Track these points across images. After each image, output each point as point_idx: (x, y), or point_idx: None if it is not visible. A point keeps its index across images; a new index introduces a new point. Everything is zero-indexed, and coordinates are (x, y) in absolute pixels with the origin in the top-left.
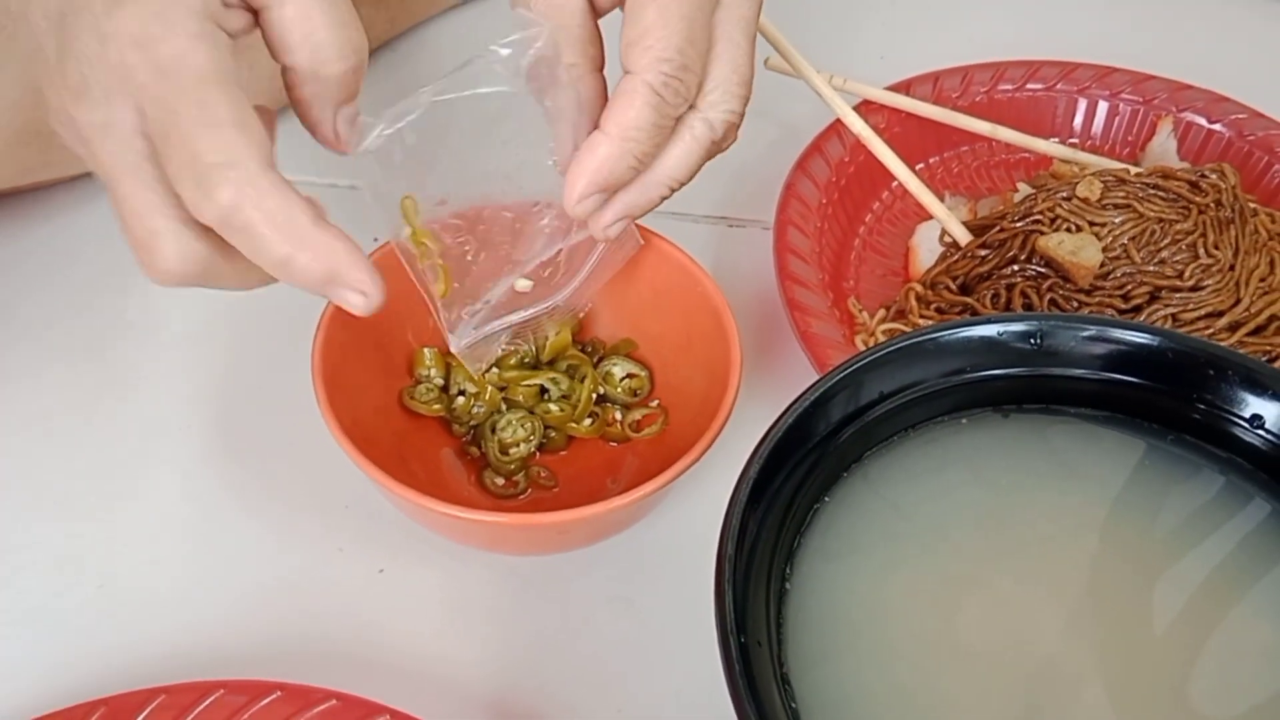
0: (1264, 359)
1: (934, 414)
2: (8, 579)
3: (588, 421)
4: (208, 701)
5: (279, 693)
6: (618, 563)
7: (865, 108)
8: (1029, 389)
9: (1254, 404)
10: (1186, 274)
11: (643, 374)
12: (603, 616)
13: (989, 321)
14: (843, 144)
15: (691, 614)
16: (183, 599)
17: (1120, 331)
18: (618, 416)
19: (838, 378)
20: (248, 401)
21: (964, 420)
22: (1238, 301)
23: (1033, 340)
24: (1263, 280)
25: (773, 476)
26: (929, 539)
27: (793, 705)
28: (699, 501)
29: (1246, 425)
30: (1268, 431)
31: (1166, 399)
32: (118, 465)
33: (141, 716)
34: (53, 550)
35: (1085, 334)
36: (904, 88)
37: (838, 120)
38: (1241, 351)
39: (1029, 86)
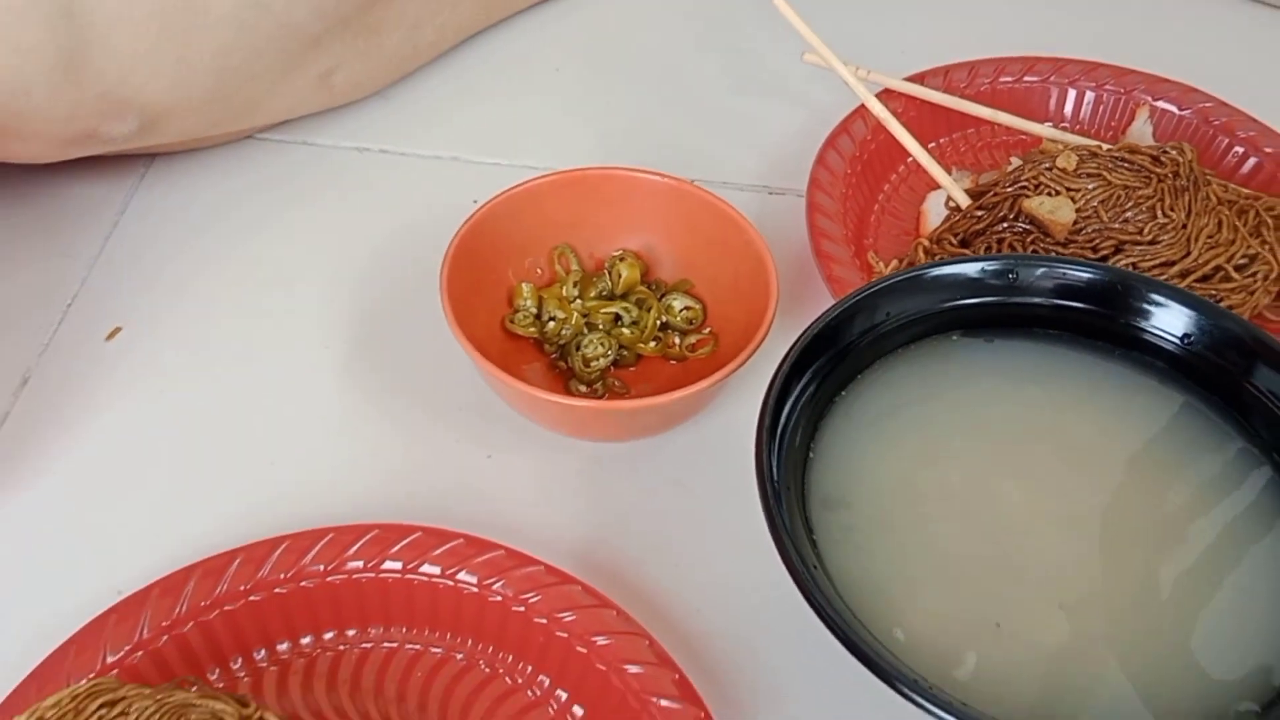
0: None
1: (930, 332)
2: (205, 461)
3: (653, 343)
4: (365, 539)
5: (420, 533)
6: (676, 452)
7: (885, 95)
8: (1004, 314)
9: (1164, 319)
10: (1145, 231)
11: (697, 306)
12: (664, 493)
13: (972, 260)
14: (865, 125)
15: (736, 493)
16: (333, 478)
17: (1070, 268)
18: (677, 340)
19: (854, 300)
20: (382, 329)
21: (954, 337)
22: (1188, 253)
23: (1010, 275)
24: (1210, 237)
25: (801, 373)
26: (920, 422)
27: (812, 537)
28: (741, 405)
29: (1163, 335)
30: (1175, 338)
31: (1104, 320)
32: (283, 377)
33: (317, 548)
34: (235, 439)
35: (1045, 270)
36: (919, 79)
37: (862, 105)
38: (1172, 284)
39: (1025, 79)
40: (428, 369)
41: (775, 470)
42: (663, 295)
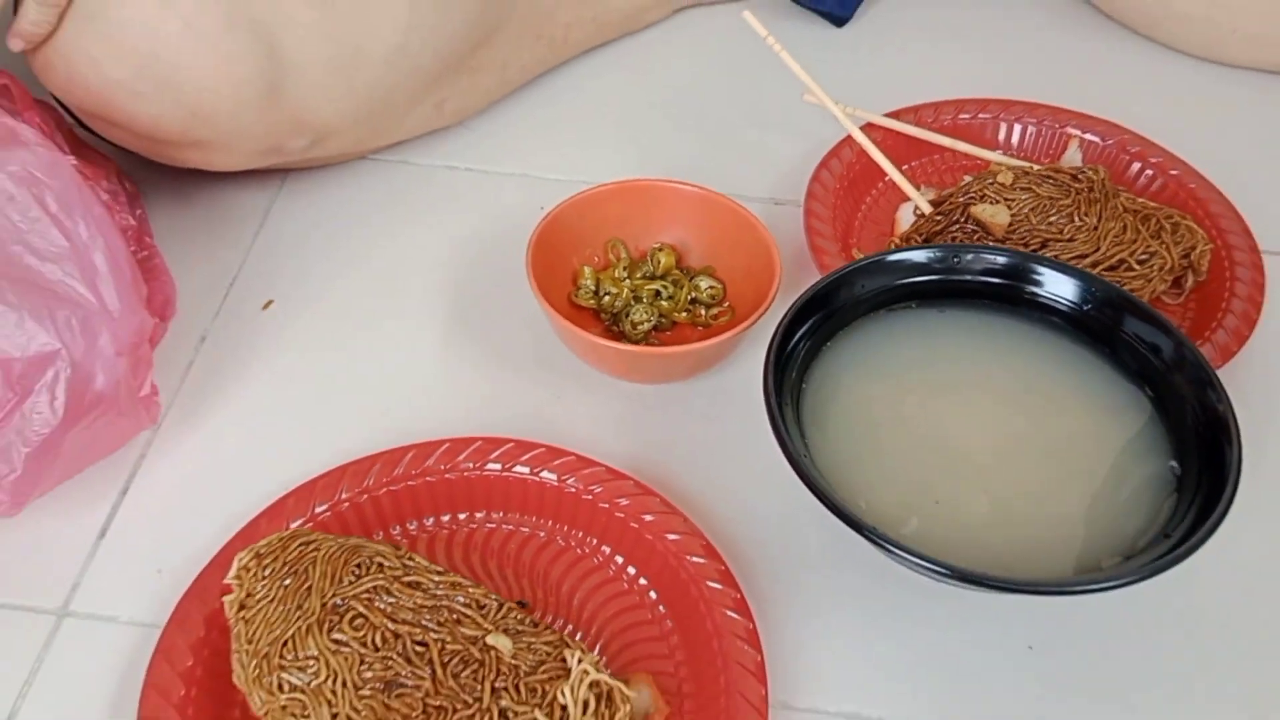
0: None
1: (894, 301)
2: (341, 403)
3: (684, 314)
4: (472, 448)
5: (512, 444)
6: (704, 394)
7: (868, 128)
8: (948, 287)
9: (1054, 286)
10: (1065, 231)
11: (719, 286)
12: (693, 424)
13: (922, 249)
14: (851, 151)
15: (748, 424)
16: (438, 416)
17: (993, 254)
18: (703, 312)
19: (838, 274)
20: (470, 306)
21: (912, 306)
22: (1098, 249)
23: (954, 259)
24: (1117, 237)
25: (799, 327)
26: (884, 366)
27: (804, 440)
28: (752, 361)
29: (1060, 300)
30: (1070, 302)
31: (1019, 291)
32: (396, 339)
33: (437, 454)
34: (360, 383)
35: (974, 256)
36: (895, 115)
37: (849, 135)
38: (1067, 264)
39: (979, 115)
40: (507, 335)
41: (777, 394)
42: (692, 277)
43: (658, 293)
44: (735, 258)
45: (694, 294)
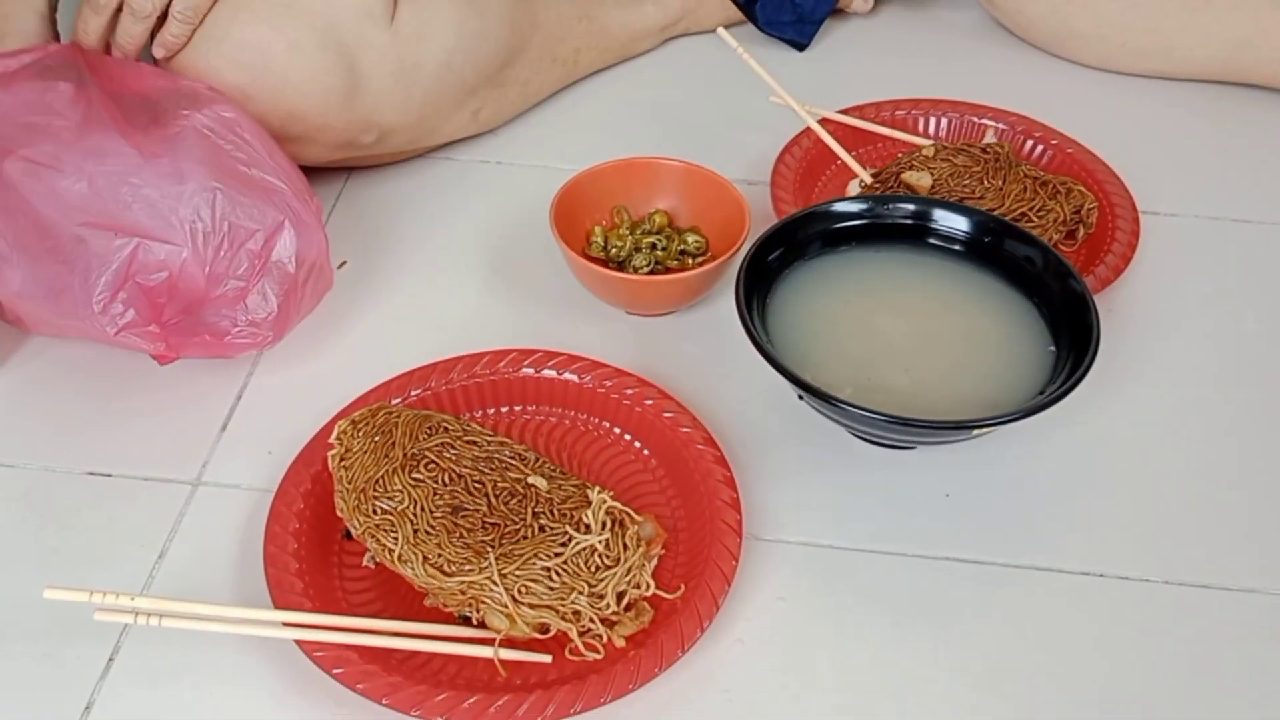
0: None
1: (837, 240)
2: (407, 331)
3: (675, 261)
4: (510, 355)
5: (540, 353)
6: (691, 323)
7: (824, 121)
8: (877, 229)
9: (953, 223)
10: (976, 191)
11: (703, 240)
12: (684, 344)
13: (855, 199)
14: (809, 140)
15: (728, 345)
16: (479, 338)
17: (906, 202)
18: (690, 261)
19: (792, 217)
20: (503, 263)
21: (849, 245)
22: (1003, 204)
23: (880, 206)
24: (1019, 196)
25: (763, 257)
26: (830, 287)
27: (767, 336)
28: (729, 299)
29: (957, 231)
30: (961, 231)
31: (928, 229)
32: (445, 286)
33: (485, 359)
34: (426, 320)
35: (893, 205)
36: (845, 112)
37: (808, 128)
38: (957, 203)
39: (912, 111)
40: (534, 283)
41: (746, 301)
42: (681, 233)
43: (654, 244)
44: (714, 217)
45: (683, 246)
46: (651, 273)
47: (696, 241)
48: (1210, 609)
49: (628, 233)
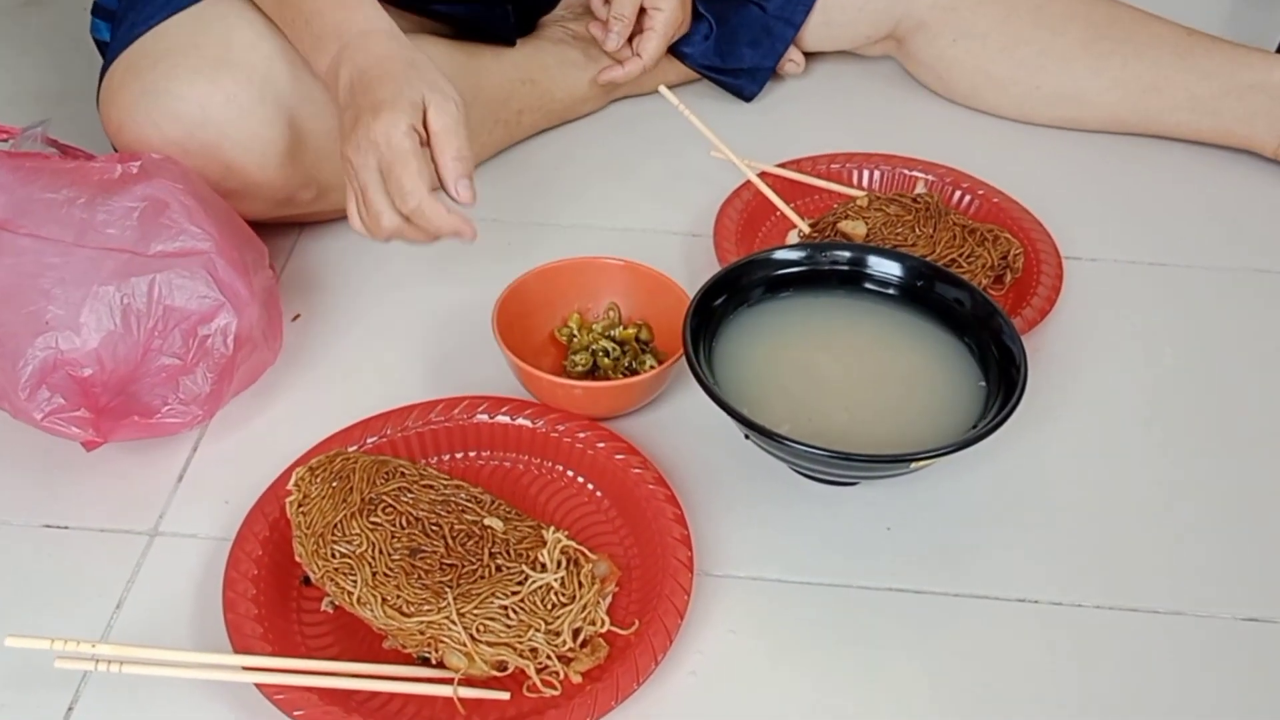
0: None
1: (777, 286)
2: (357, 384)
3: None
4: (464, 402)
5: (491, 399)
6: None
7: (763, 175)
8: (812, 275)
9: (887, 268)
10: (908, 239)
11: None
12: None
13: (794, 247)
14: (750, 193)
15: (676, 389)
16: (431, 386)
17: (843, 250)
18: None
19: (734, 265)
20: (455, 312)
21: (789, 290)
22: (934, 251)
23: (817, 254)
24: (949, 243)
25: (710, 302)
26: (772, 332)
27: (715, 381)
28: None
29: (891, 277)
30: (894, 276)
31: (857, 275)
32: (397, 336)
33: (439, 408)
34: (377, 371)
35: (831, 253)
36: (785, 165)
37: (748, 181)
38: (894, 250)
39: (847, 165)
40: (482, 333)
41: (694, 345)
42: (642, 350)
43: (607, 352)
44: (660, 307)
45: (636, 365)
46: (595, 378)
47: (652, 367)
48: (1140, 631)
49: (600, 333)
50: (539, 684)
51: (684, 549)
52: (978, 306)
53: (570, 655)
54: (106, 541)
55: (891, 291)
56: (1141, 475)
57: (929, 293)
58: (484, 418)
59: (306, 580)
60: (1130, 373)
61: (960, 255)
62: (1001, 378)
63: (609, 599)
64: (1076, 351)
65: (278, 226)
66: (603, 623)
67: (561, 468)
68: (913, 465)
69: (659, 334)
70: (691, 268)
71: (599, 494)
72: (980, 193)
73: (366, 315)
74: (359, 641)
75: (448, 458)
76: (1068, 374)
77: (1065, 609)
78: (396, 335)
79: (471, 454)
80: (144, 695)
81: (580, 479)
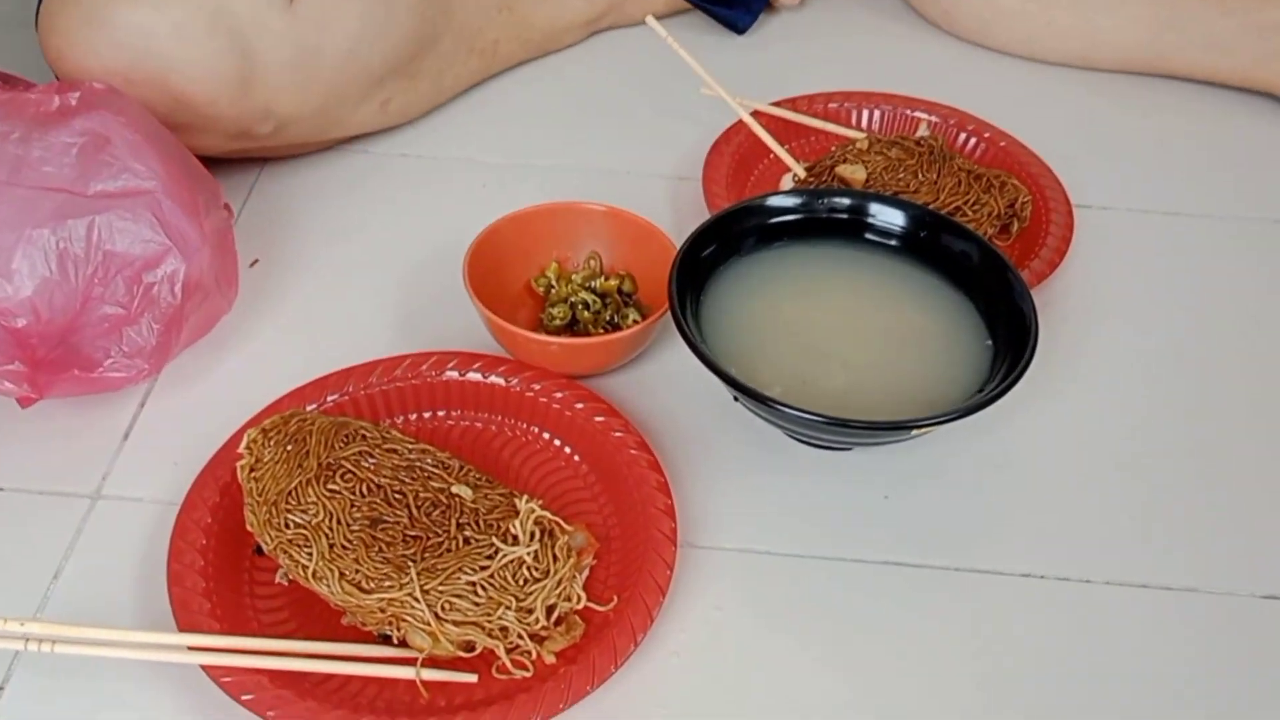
0: None
1: (770, 236)
2: (320, 333)
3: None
4: (433, 358)
5: (461, 354)
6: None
7: (756, 114)
8: (809, 225)
9: (889, 217)
10: (911, 185)
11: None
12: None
13: (789, 194)
14: (741, 134)
15: (661, 347)
16: (397, 340)
17: (839, 197)
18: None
19: (725, 212)
20: (420, 263)
21: (783, 240)
22: (938, 198)
23: (820, 201)
24: (953, 190)
25: (697, 253)
26: (765, 284)
27: (701, 335)
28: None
29: (893, 226)
30: (897, 226)
31: (864, 224)
32: (364, 288)
33: (405, 363)
34: (341, 322)
35: (828, 200)
36: (779, 104)
37: (740, 121)
38: (893, 196)
39: (845, 104)
40: (454, 282)
41: (680, 300)
42: (626, 303)
43: (587, 304)
44: (644, 255)
45: (618, 320)
46: (575, 333)
47: (635, 321)
48: (1150, 609)
49: (580, 284)
50: (509, 665)
51: (667, 520)
52: (986, 260)
53: (544, 634)
54: (44, 505)
55: (893, 243)
56: (1156, 441)
57: (934, 244)
58: (454, 375)
59: (260, 550)
60: (1145, 330)
61: (965, 203)
62: (1010, 337)
63: (586, 573)
64: (1087, 307)
65: (237, 162)
66: (579, 599)
67: (537, 429)
68: (913, 432)
69: (643, 285)
70: (678, 213)
71: (576, 458)
72: (986, 135)
73: (330, 261)
74: (316, 617)
75: (415, 417)
76: (1078, 331)
77: (1073, 585)
78: (362, 283)
79: (440, 414)
80: (82, 677)
81: (557, 442)
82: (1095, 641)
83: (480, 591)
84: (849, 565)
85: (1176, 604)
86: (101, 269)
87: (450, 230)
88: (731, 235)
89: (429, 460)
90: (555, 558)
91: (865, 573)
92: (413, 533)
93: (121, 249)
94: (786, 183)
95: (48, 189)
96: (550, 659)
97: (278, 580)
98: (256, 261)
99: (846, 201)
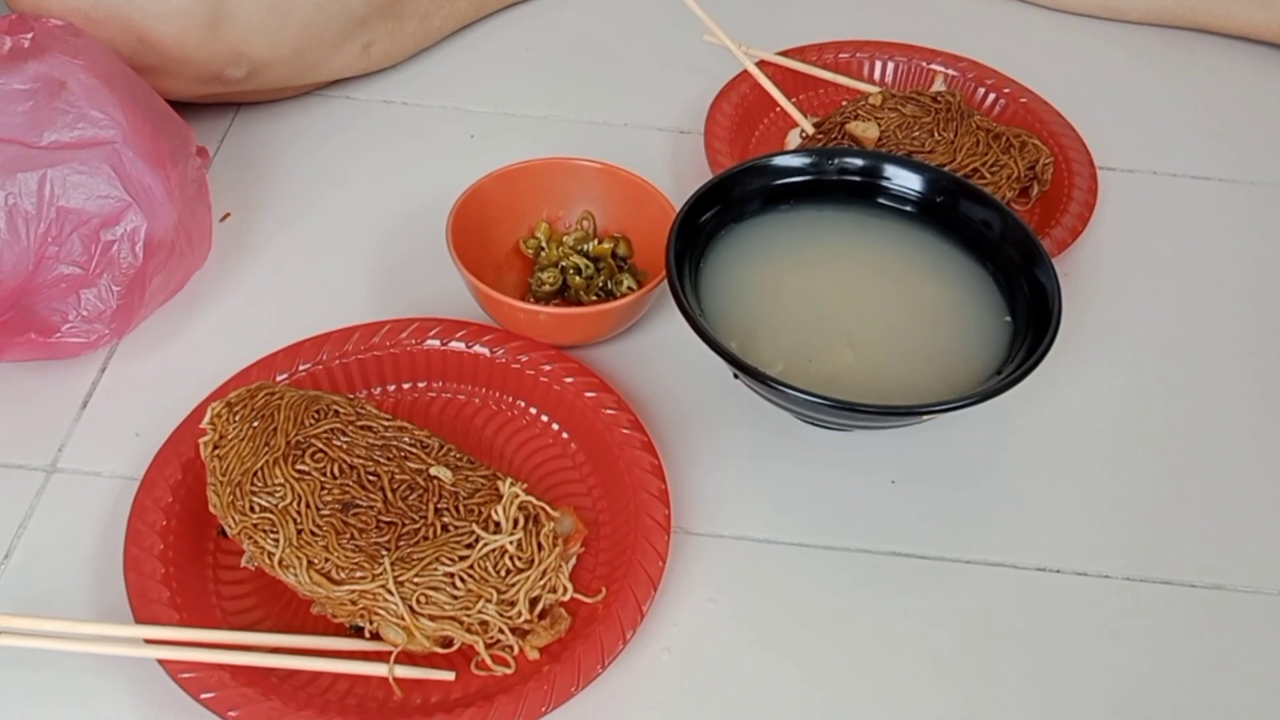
0: None
1: (776, 198)
2: (294, 294)
3: (592, 297)
4: (414, 325)
5: (445, 322)
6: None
7: (762, 64)
8: (818, 186)
9: (905, 181)
10: (926, 144)
11: (635, 281)
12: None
13: (797, 153)
14: (747, 85)
15: (657, 318)
16: (376, 303)
17: (851, 157)
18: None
19: (727, 173)
20: (400, 214)
21: (790, 203)
22: (954, 159)
23: (825, 161)
24: (971, 150)
25: (697, 217)
26: (767, 251)
27: (702, 310)
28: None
29: (909, 190)
30: (913, 190)
31: (878, 186)
32: (344, 243)
33: (384, 330)
34: (318, 281)
35: (838, 161)
36: (785, 54)
37: (745, 71)
38: (908, 158)
39: (857, 54)
40: (438, 243)
41: (678, 268)
42: (620, 268)
43: (579, 269)
44: (643, 217)
45: (611, 286)
46: (565, 298)
47: (629, 289)
48: (1173, 606)
49: (573, 247)
50: (489, 661)
51: (660, 506)
52: (1010, 232)
53: (526, 627)
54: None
55: (908, 208)
56: (1183, 428)
57: (952, 211)
58: (435, 344)
59: (224, 531)
60: (1172, 304)
61: (983, 164)
62: (1031, 315)
63: (573, 561)
64: (1111, 278)
65: (210, 106)
66: (565, 590)
67: (523, 404)
68: (924, 417)
69: (639, 248)
70: (678, 169)
71: (565, 435)
72: (1006, 91)
73: (307, 215)
74: (285, 605)
75: (393, 388)
76: (1101, 305)
77: (1090, 580)
78: (340, 240)
79: (421, 385)
80: (29, 669)
81: (544, 418)
82: (1114, 640)
83: (459, 583)
84: (852, 555)
85: (1199, 602)
86: (55, 226)
87: (435, 184)
88: (734, 198)
89: (406, 439)
90: (540, 546)
91: (870, 563)
92: (387, 518)
93: (76, 205)
94: (793, 139)
95: None
96: (533, 654)
97: (244, 564)
98: (228, 215)
99: (859, 162)
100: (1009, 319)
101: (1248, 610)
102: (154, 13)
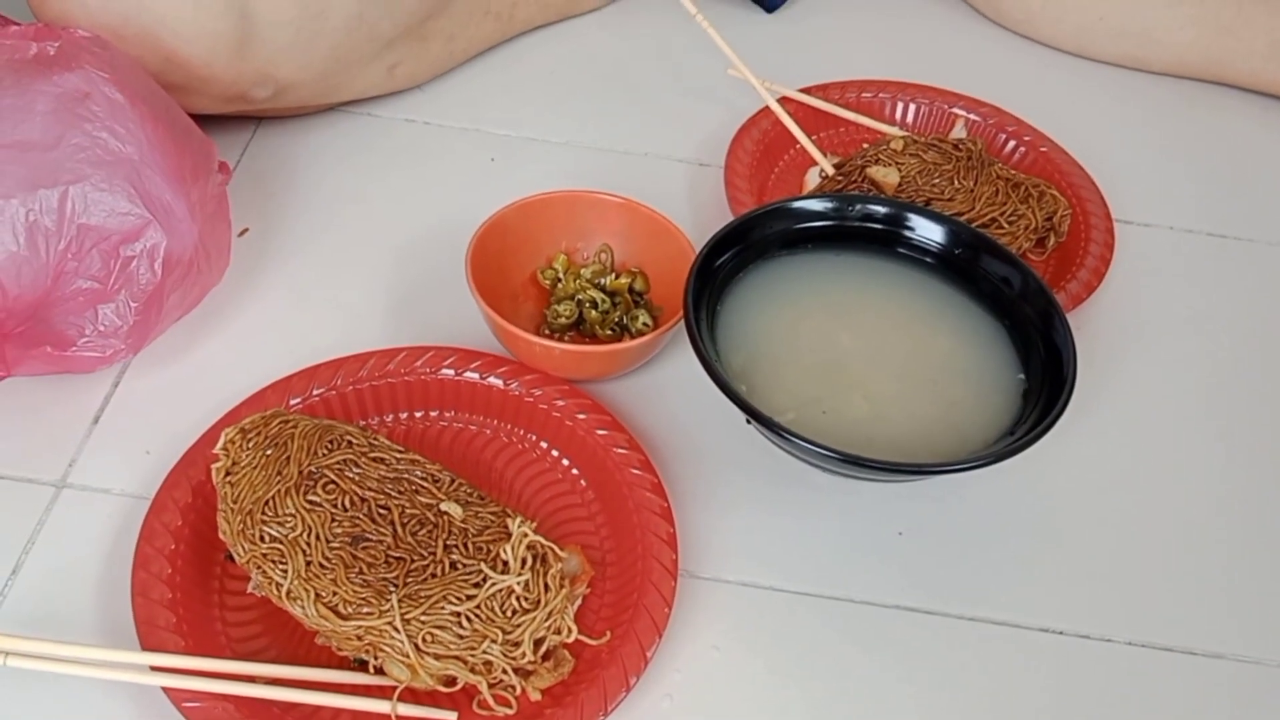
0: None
1: (796, 242)
2: (311, 315)
3: (607, 332)
4: (429, 354)
5: (461, 352)
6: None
7: (783, 101)
8: (839, 232)
9: (926, 231)
10: (946, 192)
11: (649, 325)
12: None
13: (819, 197)
14: (768, 121)
15: (672, 359)
16: (392, 329)
17: (874, 204)
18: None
19: (747, 216)
20: (424, 235)
21: (810, 248)
22: (973, 208)
23: (846, 207)
24: (990, 199)
25: (714, 259)
26: (786, 296)
27: (718, 353)
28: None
29: (931, 242)
30: (935, 242)
31: (899, 236)
32: (361, 264)
33: (399, 357)
34: (334, 302)
35: (860, 206)
36: (807, 91)
37: (766, 107)
38: (932, 210)
39: (880, 94)
40: (456, 269)
41: (695, 310)
42: (636, 304)
43: (595, 303)
44: (660, 253)
45: (627, 321)
46: (581, 332)
47: (644, 325)
48: (1174, 673)
49: (589, 280)
50: (491, 701)
51: (669, 551)
52: (1030, 292)
53: (530, 668)
54: (5, 491)
55: (928, 260)
56: (1194, 491)
57: (972, 265)
58: (449, 373)
59: (231, 556)
60: (1185, 364)
61: (1002, 214)
62: (1045, 375)
63: (578, 602)
64: (1124, 336)
65: (231, 118)
66: (570, 631)
67: (535, 438)
68: (934, 476)
69: (656, 284)
70: (696, 202)
71: (575, 472)
72: (1027, 139)
73: (326, 233)
74: (290, 634)
75: (405, 416)
76: (1113, 363)
77: (1093, 643)
78: (358, 260)
79: (433, 414)
80: (35, 691)
81: (555, 453)
82: (1114, 706)
83: (465, 623)
84: (857, 607)
85: (1199, 670)
86: (75, 243)
87: (453, 205)
88: (754, 240)
89: (418, 472)
90: (547, 587)
91: (874, 616)
92: (396, 553)
93: (96, 222)
94: (813, 177)
95: (17, 148)
96: (536, 696)
97: (250, 590)
98: (246, 230)
99: (881, 210)
100: (1022, 377)
101: (1247, 680)
102: (184, 34)
